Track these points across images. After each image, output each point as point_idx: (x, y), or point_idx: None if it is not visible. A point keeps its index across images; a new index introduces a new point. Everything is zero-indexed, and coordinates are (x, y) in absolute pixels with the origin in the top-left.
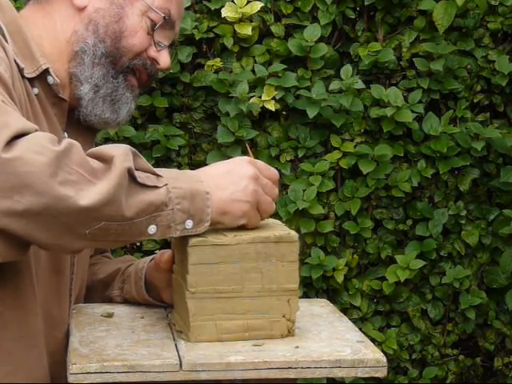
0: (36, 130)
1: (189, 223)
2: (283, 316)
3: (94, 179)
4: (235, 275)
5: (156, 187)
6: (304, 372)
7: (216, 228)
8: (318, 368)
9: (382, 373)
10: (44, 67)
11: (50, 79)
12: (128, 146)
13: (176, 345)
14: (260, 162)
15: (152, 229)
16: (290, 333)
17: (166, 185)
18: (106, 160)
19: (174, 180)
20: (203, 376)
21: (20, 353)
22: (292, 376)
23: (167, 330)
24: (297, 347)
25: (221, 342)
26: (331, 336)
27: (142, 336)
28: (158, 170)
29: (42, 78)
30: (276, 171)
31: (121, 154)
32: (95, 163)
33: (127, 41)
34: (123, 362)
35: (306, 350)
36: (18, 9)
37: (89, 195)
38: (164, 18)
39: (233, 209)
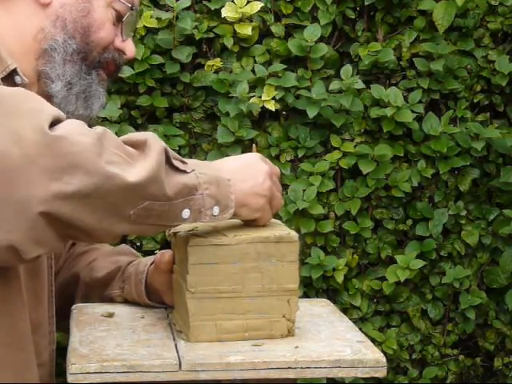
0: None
1: (215, 209)
2: (283, 316)
3: (132, 161)
4: (235, 275)
5: (185, 172)
6: (304, 372)
7: (216, 228)
8: (317, 368)
9: (381, 373)
10: (12, 67)
11: (17, 79)
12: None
13: (176, 345)
14: (268, 160)
15: (186, 213)
16: (289, 333)
17: (194, 170)
18: (139, 145)
19: (198, 167)
20: (203, 376)
21: (9, 358)
22: (292, 376)
23: (167, 329)
24: (297, 347)
25: (221, 341)
26: (331, 336)
27: (142, 336)
28: None
29: (9, 78)
30: (279, 169)
31: (153, 136)
32: (130, 148)
33: (96, 35)
34: (123, 362)
35: (305, 350)
36: None
37: (134, 172)
38: (131, 8)
39: (252, 202)
